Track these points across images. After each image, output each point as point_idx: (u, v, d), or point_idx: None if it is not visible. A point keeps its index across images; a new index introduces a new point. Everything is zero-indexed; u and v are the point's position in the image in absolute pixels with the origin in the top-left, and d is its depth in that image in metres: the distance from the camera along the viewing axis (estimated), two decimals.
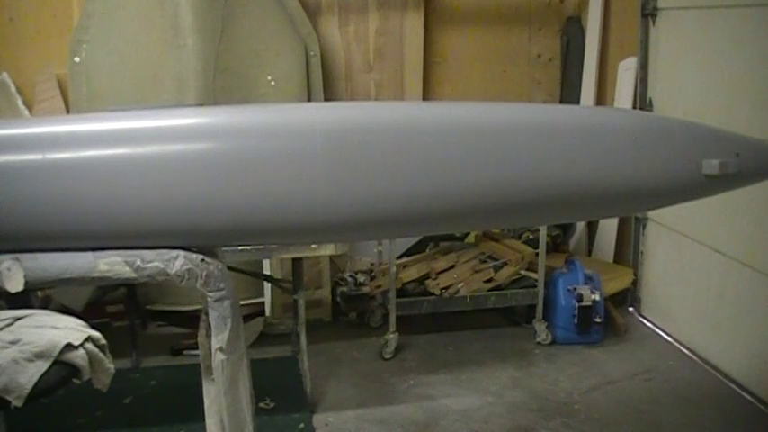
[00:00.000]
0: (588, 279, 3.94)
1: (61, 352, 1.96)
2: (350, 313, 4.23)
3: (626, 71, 4.37)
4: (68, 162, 1.73)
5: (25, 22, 4.13)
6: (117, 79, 3.67)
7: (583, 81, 4.63)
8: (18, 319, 2.08)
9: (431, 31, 4.52)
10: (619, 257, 4.52)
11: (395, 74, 4.46)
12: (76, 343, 2.00)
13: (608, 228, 4.56)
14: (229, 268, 2.00)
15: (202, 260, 1.81)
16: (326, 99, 4.13)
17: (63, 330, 2.04)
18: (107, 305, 4.13)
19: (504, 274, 3.99)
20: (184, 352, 3.80)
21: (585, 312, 3.88)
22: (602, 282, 4.00)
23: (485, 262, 4.08)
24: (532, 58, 4.72)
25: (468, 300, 3.94)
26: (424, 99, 4.50)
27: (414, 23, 4.42)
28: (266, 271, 3.89)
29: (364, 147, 1.83)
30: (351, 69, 4.42)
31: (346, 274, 4.26)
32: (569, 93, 4.69)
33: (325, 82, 4.13)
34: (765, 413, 3.27)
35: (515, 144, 1.92)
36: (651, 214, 4.22)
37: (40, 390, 1.91)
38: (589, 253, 4.69)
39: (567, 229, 4.66)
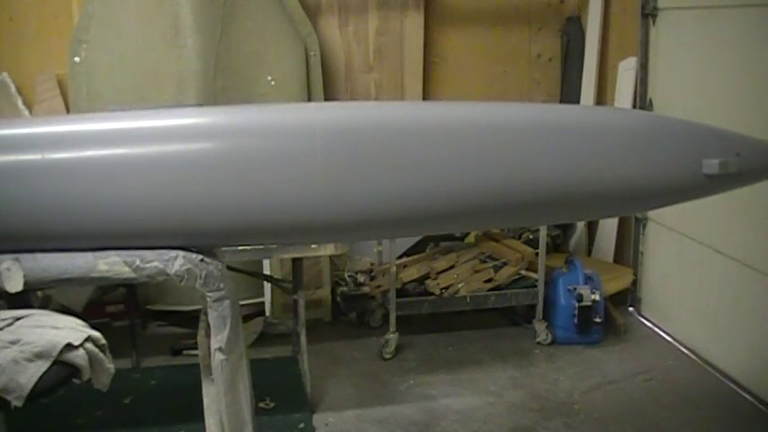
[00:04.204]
0: (588, 279, 3.94)
1: (61, 352, 1.96)
2: (350, 313, 4.22)
3: (626, 71, 4.37)
4: (68, 162, 1.74)
5: (25, 22, 4.13)
6: (117, 79, 3.68)
7: (583, 81, 4.63)
8: (18, 319, 2.08)
9: (431, 31, 4.52)
10: (619, 257, 4.52)
11: (395, 74, 4.46)
12: (76, 343, 2.00)
13: (608, 228, 4.56)
14: (229, 268, 2.00)
15: (202, 260, 1.81)
16: (326, 99, 4.13)
17: (63, 330, 2.03)
18: (107, 305, 4.12)
19: (504, 274, 3.99)
20: (184, 352, 3.80)
21: (585, 312, 3.87)
22: (602, 282, 4.00)
23: (485, 262, 4.08)
24: (532, 58, 4.72)
25: (468, 300, 3.94)
26: (424, 99, 4.50)
27: (414, 23, 4.42)
28: (266, 271, 3.89)
29: (364, 147, 1.83)
30: (351, 69, 4.41)
31: (346, 274, 4.26)
32: (569, 93, 4.69)
33: (325, 82, 4.14)
34: (765, 413, 3.27)
35: (515, 144, 1.93)
36: (651, 214, 4.21)
37: (40, 390, 1.91)
38: (589, 253, 4.69)
39: (567, 229, 4.66)
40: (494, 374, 3.67)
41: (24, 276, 1.73)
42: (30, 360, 1.91)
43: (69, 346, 1.98)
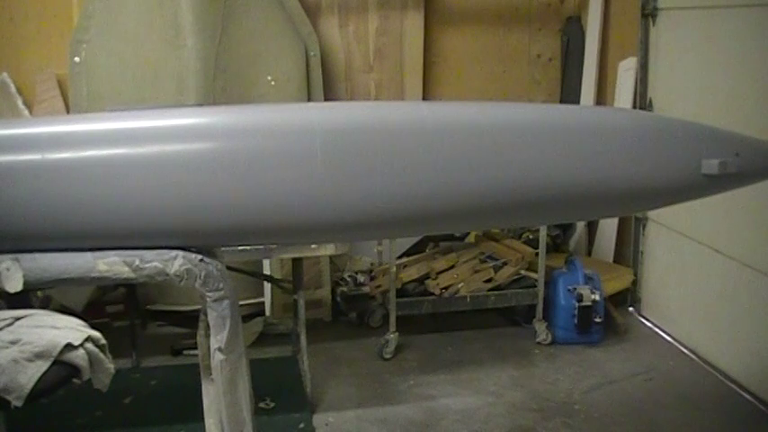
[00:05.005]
0: (588, 279, 3.94)
1: (61, 352, 1.96)
2: (350, 313, 4.23)
3: (626, 71, 4.37)
4: (67, 162, 1.73)
5: (25, 22, 4.14)
6: (117, 79, 3.68)
7: (583, 81, 4.63)
8: (18, 319, 2.08)
9: (431, 31, 4.52)
10: (619, 257, 4.52)
11: (395, 74, 4.46)
12: (76, 343, 2.00)
13: (608, 228, 4.56)
14: (229, 268, 2.00)
15: (201, 260, 1.81)
16: (326, 99, 4.14)
17: (63, 330, 2.03)
18: (107, 305, 4.13)
19: (504, 274, 3.99)
20: (184, 352, 3.80)
21: (585, 312, 3.88)
22: (602, 282, 4.00)
23: (485, 262, 4.08)
24: (532, 58, 4.72)
25: (468, 300, 3.94)
26: (424, 99, 4.50)
27: (414, 23, 4.43)
28: (266, 271, 3.89)
29: (364, 147, 1.83)
30: (351, 69, 4.42)
31: (346, 274, 4.26)
32: (569, 93, 4.69)
33: (325, 82, 4.14)
34: (765, 413, 3.27)
35: (515, 144, 1.92)
36: (651, 214, 4.22)
37: (40, 390, 1.91)
38: (589, 253, 4.69)
39: (566, 229, 4.66)
40: (494, 374, 3.67)
41: (24, 276, 1.73)
42: (30, 360, 1.91)
43: (69, 346, 1.98)
